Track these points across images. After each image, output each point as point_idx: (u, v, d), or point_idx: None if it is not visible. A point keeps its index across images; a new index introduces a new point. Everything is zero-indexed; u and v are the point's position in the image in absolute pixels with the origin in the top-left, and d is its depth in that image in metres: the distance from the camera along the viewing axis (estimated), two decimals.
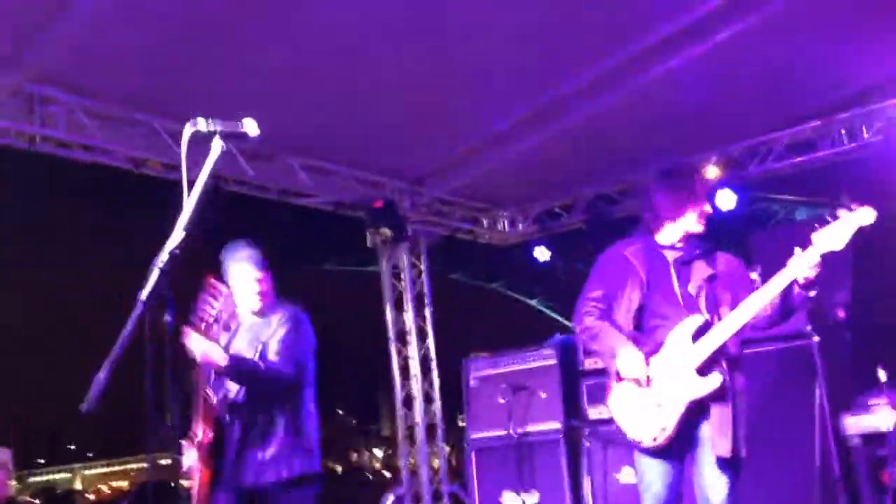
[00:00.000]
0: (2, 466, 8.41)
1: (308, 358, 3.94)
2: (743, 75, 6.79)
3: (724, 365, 3.42)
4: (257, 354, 3.76)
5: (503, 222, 9.70)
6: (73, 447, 47.90)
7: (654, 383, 3.42)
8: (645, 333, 3.55)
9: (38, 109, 5.85)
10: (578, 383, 6.24)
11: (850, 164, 7.56)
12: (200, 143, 2.38)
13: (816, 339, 5.11)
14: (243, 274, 3.88)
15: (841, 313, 5.33)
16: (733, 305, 3.43)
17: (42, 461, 44.12)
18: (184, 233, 2.28)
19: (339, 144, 7.45)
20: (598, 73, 6.71)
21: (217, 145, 2.37)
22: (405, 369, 8.62)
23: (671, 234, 3.66)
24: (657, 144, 7.77)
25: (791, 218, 11.23)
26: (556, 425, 6.30)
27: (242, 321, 3.97)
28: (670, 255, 3.62)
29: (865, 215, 3.19)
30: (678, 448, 3.46)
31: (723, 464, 3.37)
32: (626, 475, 5.74)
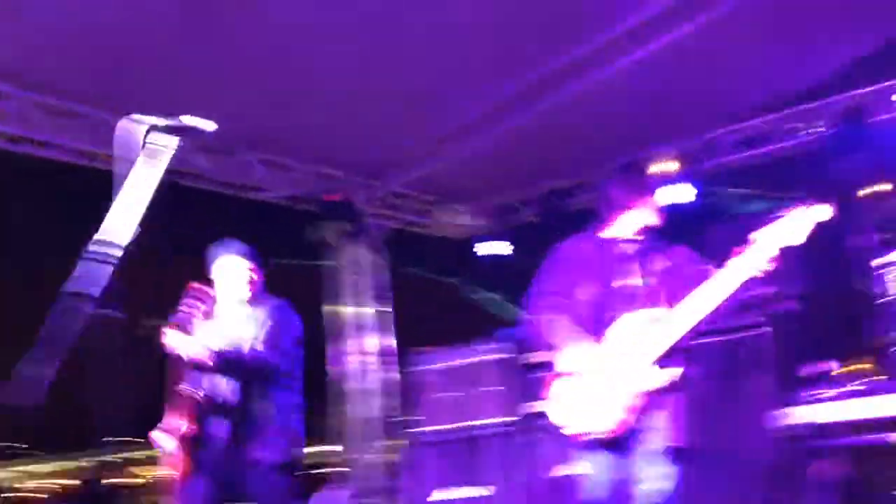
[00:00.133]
0: None
1: (294, 349, 4.04)
2: (696, 71, 6.88)
3: (678, 357, 3.45)
4: (246, 345, 3.84)
5: (459, 216, 9.71)
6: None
7: (607, 375, 3.44)
8: (600, 326, 3.54)
9: None
10: (528, 377, 6.24)
11: (802, 158, 7.70)
12: (156, 137, 2.34)
13: (767, 330, 5.18)
14: (234, 264, 4.01)
15: (791, 305, 5.40)
16: (686, 299, 3.43)
17: None
18: (139, 228, 2.25)
19: (296, 139, 7.40)
20: (553, 68, 6.74)
21: (173, 141, 2.34)
22: (360, 363, 8.58)
23: (626, 227, 3.67)
24: (612, 139, 7.84)
25: (746, 212, 11.38)
26: (504, 419, 6.30)
27: (230, 312, 4.02)
28: (626, 249, 3.63)
29: (822, 211, 3.24)
30: (628, 439, 3.48)
31: (672, 454, 3.40)
32: (573, 468, 5.77)
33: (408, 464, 6.84)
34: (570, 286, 3.63)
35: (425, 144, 7.82)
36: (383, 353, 8.74)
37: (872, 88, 7.17)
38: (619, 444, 3.47)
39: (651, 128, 7.72)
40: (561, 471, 5.82)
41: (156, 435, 3.77)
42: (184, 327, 3.73)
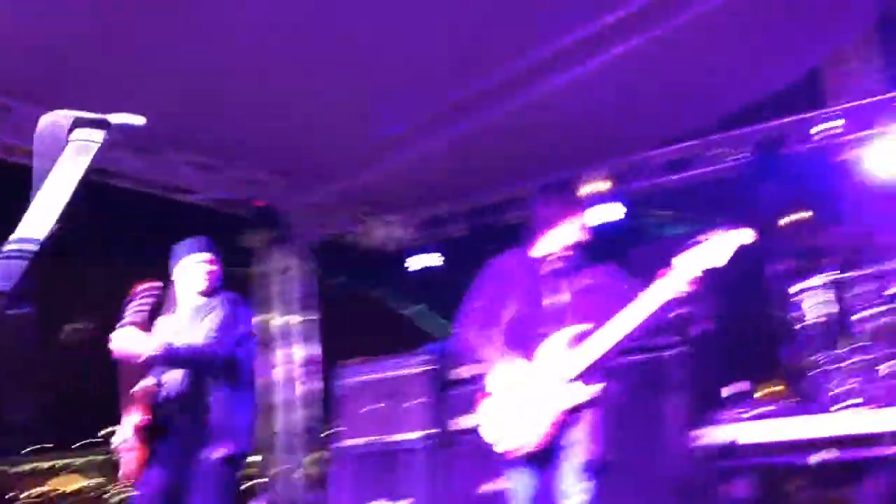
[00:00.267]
0: None
1: (246, 341, 4.08)
2: (626, 94, 7.03)
3: (598, 375, 3.50)
4: (199, 337, 3.89)
5: (389, 226, 9.70)
6: None
7: (530, 393, 3.47)
8: (524, 344, 3.58)
9: None
10: (450, 392, 6.24)
11: (726, 184, 7.93)
12: (81, 132, 2.28)
13: (680, 350, 5.28)
14: (193, 258, 4.07)
15: (705, 326, 5.51)
16: (609, 317, 3.49)
17: None
18: (56, 225, 2.18)
19: (225, 142, 7.28)
20: (486, 84, 6.81)
21: (98, 136, 2.29)
22: (286, 374, 8.48)
23: (552, 245, 3.71)
24: (542, 156, 7.94)
25: (670, 233, 11.61)
26: (425, 434, 6.29)
27: (187, 306, 4.09)
28: (550, 267, 3.68)
29: (743, 236, 3.34)
30: (550, 456, 3.51)
31: (588, 468, 3.44)
32: (494, 484, 5.79)
33: (330, 477, 6.77)
34: (498, 302, 3.67)
35: (356, 154, 7.80)
36: (308, 363, 8.65)
37: (793, 119, 7.42)
38: (543, 459, 3.50)
39: (581, 147, 7.85)
40: (487, 487, 5.84)
41: (115, 440, 3.86)
42: (139, 327, 3.75)
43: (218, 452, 3.83)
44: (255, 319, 8.24)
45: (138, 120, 2.31)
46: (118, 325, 3.76)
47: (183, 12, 5.36)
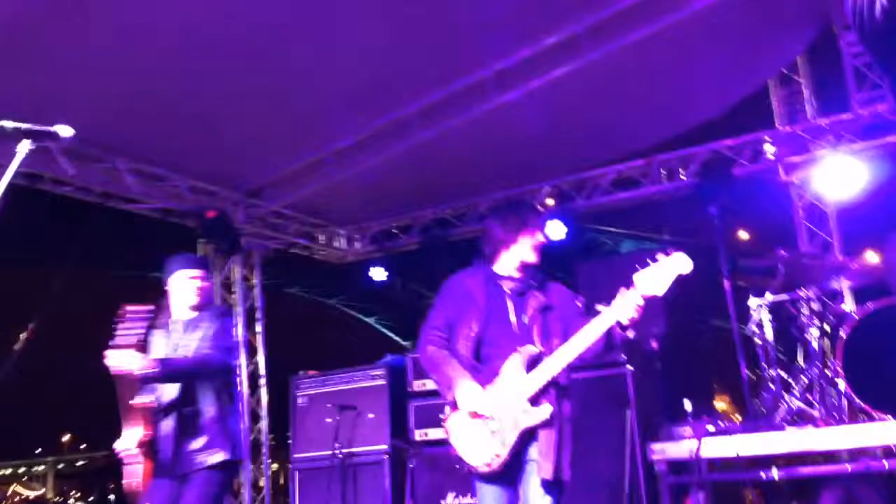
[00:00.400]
0: None
1: (233, 351, 4.29)
2: (574, 113, 7.11)
3: (554, 394, 3.51)
4: (192, 349, 4.09)
5: (340, 240, 9.64)
6: None
7: (489, 412, 3.50)
8: (482, 363, 3.62)
9: None
10: (406, 405, 6.23)
11: (669, 203, 8.03)
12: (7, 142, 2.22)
13: (630, 368, 5.33)
14: (183, 274, 4.27)
15: (653, 344, 5.56)
16: (564, 336, 3.55)
17: None
18: None
19: (172, 150, 7.16)
20: (439, 98, 6.83)
21: (23, 146, 2.26)
22: None
23: (507, 264, 3.74)
24: (493, 172, 7.98)
25: (616, 250, 11.76)
26: (382, 446, 6.26)
27: (180, 320, 4.27)
28: (506, 286, 3.71)
29: (684, 264, 3.39)
30: (511, 474, 3.54)
31: (546, 486, 3.46)
32: (450, 499, 5.77)
33: (283, 489, 6.67)
34: (456, 322, 3.69)
35: (307, 165, 7.74)
36: (259, 374, 8.55)
37: (739, 140, 7.54)
38: (502, 477, 3.53)
39: (530, 165, 7.90)
40: (437, 501, 5.81)
41: (118, 444, 3.98)
42: (134, 349, 3.87)
43: (214, 458, 4.00)
44: None
45: (66, 131, 2.26)
46: (110, 346, 3.85)
47: (128, 21, 5.29)
